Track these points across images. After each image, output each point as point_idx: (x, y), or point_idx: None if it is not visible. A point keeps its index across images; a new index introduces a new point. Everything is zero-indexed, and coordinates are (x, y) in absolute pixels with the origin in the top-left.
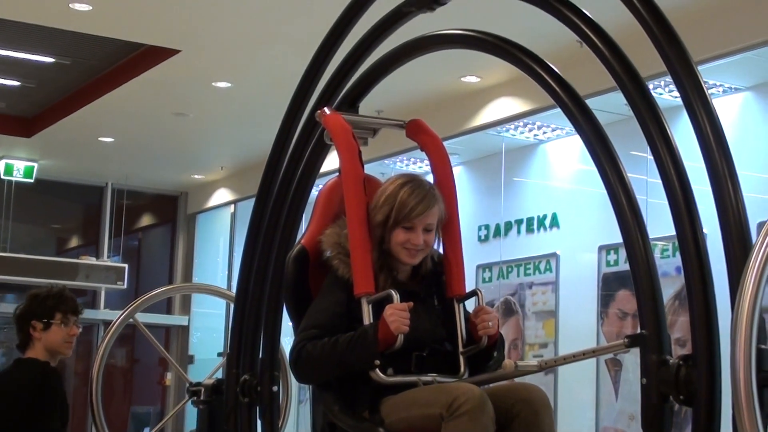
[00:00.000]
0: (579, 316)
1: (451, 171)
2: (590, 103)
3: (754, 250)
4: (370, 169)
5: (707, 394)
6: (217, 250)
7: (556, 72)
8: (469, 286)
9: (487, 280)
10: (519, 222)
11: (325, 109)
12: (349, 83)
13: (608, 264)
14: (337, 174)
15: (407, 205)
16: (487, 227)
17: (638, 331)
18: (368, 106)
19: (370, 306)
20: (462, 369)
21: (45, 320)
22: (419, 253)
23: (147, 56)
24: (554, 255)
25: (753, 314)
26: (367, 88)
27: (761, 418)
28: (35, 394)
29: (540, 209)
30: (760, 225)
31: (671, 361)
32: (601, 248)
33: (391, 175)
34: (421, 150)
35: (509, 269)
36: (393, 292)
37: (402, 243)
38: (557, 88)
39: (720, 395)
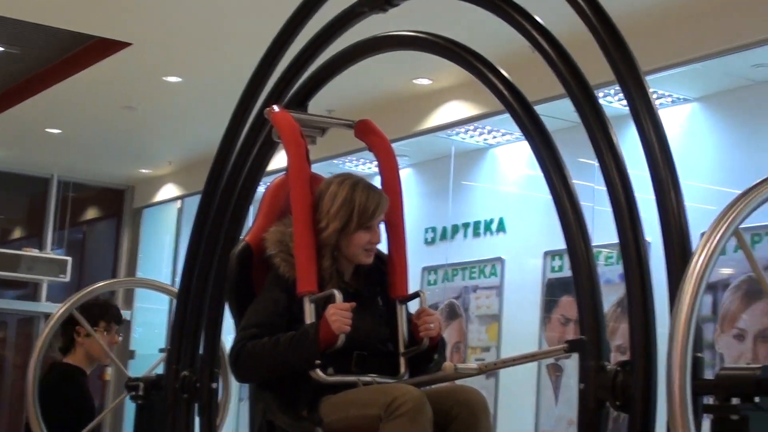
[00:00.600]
0: (522, 320)
1: (398, 172)
2: (542, 109)
3: (692, 259)
4: (319, 168)
5: (643, 401)
6: (163, 246)
7: (505, 77)
8: (415, 288)
9: (432, 282)
10: (466, 226)
11: (274, 106)
12: (299, 82)
13: (553, 270)
14: (285, 172)
15: (369, 207)
16: (434, 230)
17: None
18: (319, 105)
19: (313, 305)
20: (402, 370)
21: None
22: (374, 251)
23: (97, 48)
24: (500, 259)
25: (690, 322)
26: (317, 87)
27: (695, 426)
28: (55, 397)
29: (487, 213)
30: (704, 235)
31: (609, 367)
32: (546, 254)
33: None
34: (370, 150)
35: (455, 272)
36: (336, 292)
37: (363, 245)
38: (506, 93)
39: (656, 402)
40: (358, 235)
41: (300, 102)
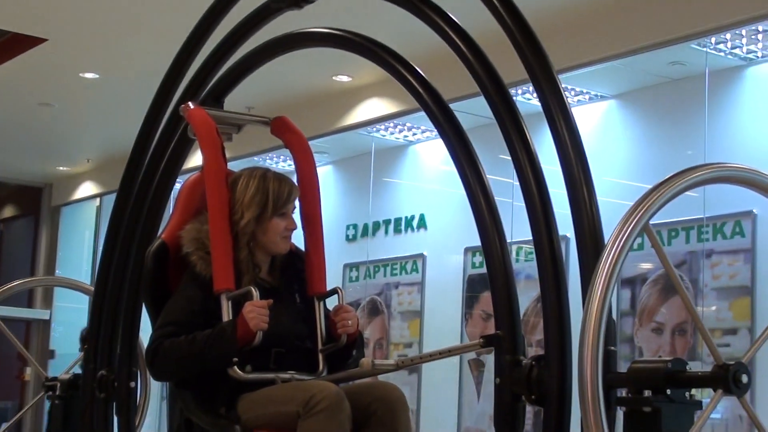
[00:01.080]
0: (444, 316)
1: (315, 169)
2: (463, 105)
3: (603, 254)
4: (239, 166)
5: (558, 394)
6: (82, 244)
7: (419, 73)
8: (337, 285)
9: (354, 279)
10: (387, 222)
11: (189, 103)
12: (214, 78)
13: (473, 266)
14: (200, 169)
15: (282, 192)
16: (355, 227)
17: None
18: (238, 102)
19: (230, 303)
20: (321, 367)
21: None
22: (290, 238)
23: (12, 44)
24: (421, 256)
25: (601, 316)
26: (233, 84)
27: (607, 419)
28: None
29: (408, 210)
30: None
31: (524, 361)
32: (467, 250)
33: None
34: (286, 147)
35: (376, 269)
36: (253, 289)
37: (280, 232)
38: (420, 90)
39: (570, 395)
40: (274, 221)
41: (216, 98)
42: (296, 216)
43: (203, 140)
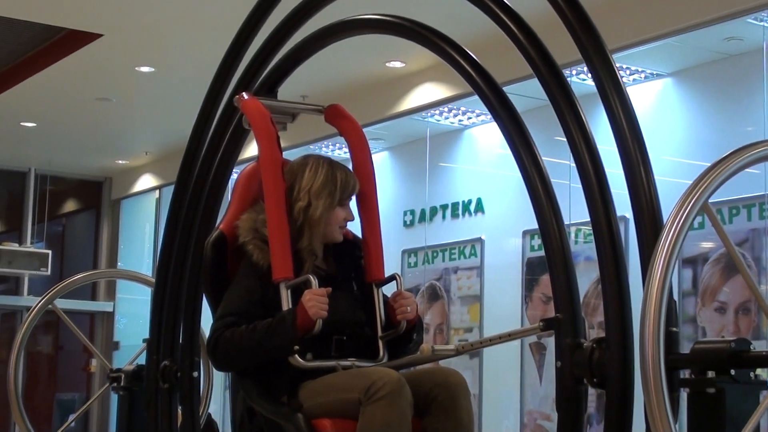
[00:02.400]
0: (504, 300)
1: (370, 155)
2: (517, 88)
3: (662, 234)
4: (294, 154)
5: (619, 377)
6: (143, 236)
7: (471, 57)
8: (395, 271)
9: (412, 265)
10: (444, 207)
11: (243, 94)
12: (267, 68)
13: (532, 249)
14: (256, 160)
15: (349, 183)
16: (412, 212)
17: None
18: (293, 91)
19: (289, 291)
20: (381, 353)
21: None
22: (344, 229)
23: (69, 40)
24: (479, 240)
25: (662, 297)
26: (286, 74)
27: (670, 401)
28: None
29: (465, 194)
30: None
31: (585, 344)
32: (525, 233)
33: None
34: (340, 135)
35: (434, 254)
36: (311, 277)
37: (340, 221)
38: (474, 74)
39: (633, 377)
40: (337, 211)
41: (270, 88)
42: (352, 204)
43: (258, 130)
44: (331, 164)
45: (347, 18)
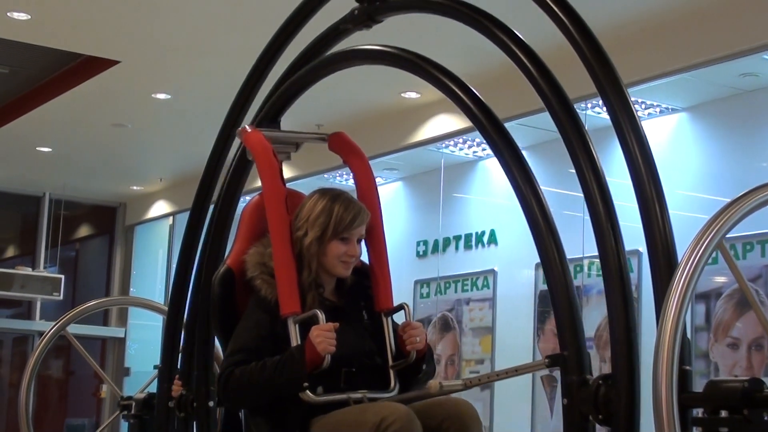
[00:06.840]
0: (516, 332)
1: (374, 182)
2: (532, 120)
3: (677, 272)
4: (309, 183)
5: (626, 414)
6: (156, 262)
7: (472, 91)
8: (407, 301)
9: (425, 295)
10: (457, 238)
11: (246, 126)
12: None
13: (545, 281)
14: (260, 192)
15: (345, 217)
16: (425, 243)
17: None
18: (308, 120)
19: (297, 326)
20: (392, 383)
21: None
22: (352, 265)
23: (86, 66)
24: (492, 271)
25: (675, 336)
26: (287, 104)
27: None
28: None
29: (478, 226)
30: (688, 248)
31: (591, 380)
32: (537, 265)
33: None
34: (344, 163)
35: (447, 285)
36: (318, 313)
37: (339, 255)
38: (474, 108)
39: (638, 414)
40: (334, 244)
41: (272, 118)
42: None
43: (260, 163)
44: (335, 198)
45: (347, 48)
